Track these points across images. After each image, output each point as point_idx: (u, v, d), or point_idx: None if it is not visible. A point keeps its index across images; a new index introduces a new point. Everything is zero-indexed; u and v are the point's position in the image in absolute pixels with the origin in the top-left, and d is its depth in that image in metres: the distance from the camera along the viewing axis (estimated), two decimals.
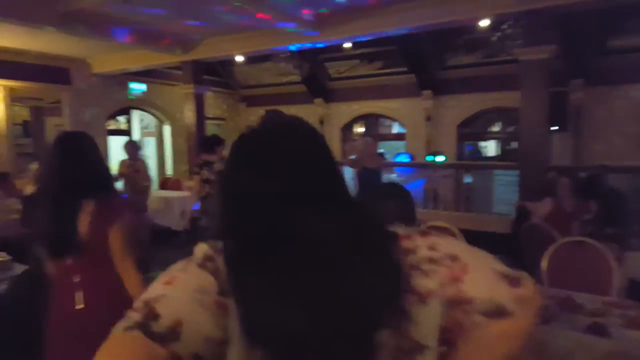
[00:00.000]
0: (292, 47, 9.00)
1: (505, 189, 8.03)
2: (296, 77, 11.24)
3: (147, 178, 7.11)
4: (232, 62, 11.71)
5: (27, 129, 11.26)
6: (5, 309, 2.57)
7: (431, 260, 0.89)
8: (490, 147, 12.68)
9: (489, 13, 6.71)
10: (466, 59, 10.90)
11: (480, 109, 11.38)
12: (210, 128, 12.53)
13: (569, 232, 4.16)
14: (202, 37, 9.01)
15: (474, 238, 5.58)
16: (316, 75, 12.63)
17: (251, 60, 11.06)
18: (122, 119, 12.63)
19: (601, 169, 6.07)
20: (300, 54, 10.39)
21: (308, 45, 8.62)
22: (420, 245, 0.91)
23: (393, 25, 7.35)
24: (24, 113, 10.62)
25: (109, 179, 2.10)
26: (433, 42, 10.55)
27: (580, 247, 3.27)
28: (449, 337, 0.86)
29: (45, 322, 2.01)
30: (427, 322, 0.85)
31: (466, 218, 7.90)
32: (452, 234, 3.72)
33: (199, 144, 5.38)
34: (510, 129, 11.58)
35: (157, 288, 0.83)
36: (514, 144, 11.11)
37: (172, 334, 0.75)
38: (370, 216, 0.96)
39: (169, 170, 12.88)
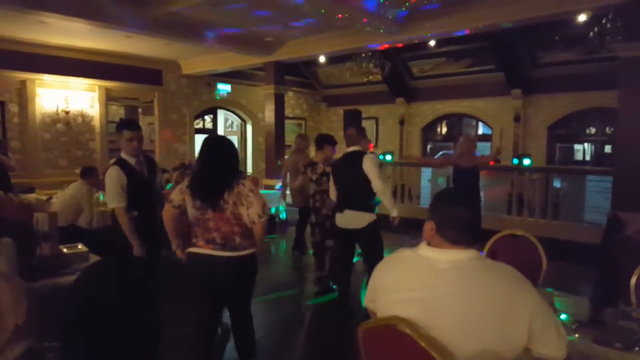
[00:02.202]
0: (375, 47, 8.87)
1: (598, 196, 7.37)
2: (378, 77, 11.10)
3: None
4: (315, 62, 11.81)
5: None
6: (74, 297, 2.71)
7: (247, 192, 3.00)
8: (584, 151, 11.75)
9: (588, 5, 6.19)
10: (561, 56, 10.20)
11: (575, 110, 10.63)
12: (290, 127, 12.75)
13: None
14: (286, 39, 9.14)
15: (561, 248, 5.16)
16: (398, 74, 12.42)
17: (333, 60, 11.09)
18: (208, 118, 13.18)
19: None
20: (383, 52, 10.24)
21: (391, 43, 8.44)
22: (245, 183, 3.01)
23: (483, 20, 6.96)
24: (120, 112, 11.39)
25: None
26: (526, 38, 9.98)
27: None
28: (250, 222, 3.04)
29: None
30: (244, 210, 2.99)
31: (553, 226, 7.37)
32: (530, 243, 3.43)
33: (316, 144, 5.51)
34: (609, 131, 10.69)
35: (174, 193, 3.17)
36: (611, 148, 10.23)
37: (172, 201, 3.12)
38: (239, 171, 3.11)
39: (249, 168, 13.27)
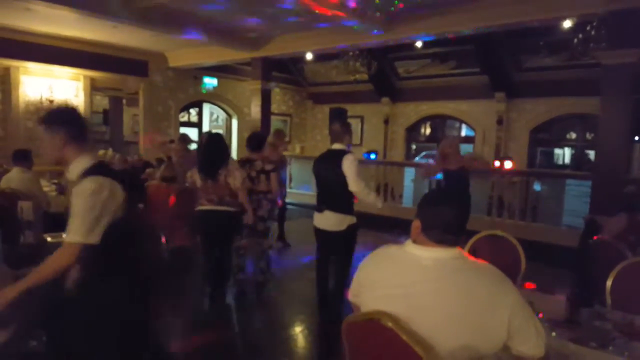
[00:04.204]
0: (362, 45, 8.92)
1: (577, 200, 7.55)
2: (364, 76, 11.16)
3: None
4: (302, 59, 11.81)
5: (107, 117, 11.96)
6: (59, 286, 2.69)
7: (233, 170, 4.56)
8: (564, 155, 12.00)
9: (573, 13, 6.30)
10: (545, 61, 10.36)
11: (557, 114, 10.82)
12: (276, 123, 12.74)
13: None
14: (273, 35, 9.13)
15: (539, 250, 5.25)
16: (384, 73, 12.48)
17: (320, 58, 11.11)
18: (193, 111, 13.11)
19: None
20: (370, 52, 10.30)
21: (377, 43, 8.50)
22: (233, 164, 4.64)
23: (470, 23, 7.04)
24: (104, 102, 11.28)
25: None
26: (511, 42, 10.11)
27: None
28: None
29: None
30: (232, 181, 4.48)
31: (532, 228, 7.50)
32: (510, 243, 3.51)
33: (247, 142, 5.32)
34: (589, 136, 10.92)
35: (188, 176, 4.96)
36: (591, 153, 10.48)
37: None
38: (229, 157, 4.69)
39: None
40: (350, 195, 4.07)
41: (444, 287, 1.65)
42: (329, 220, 4.13)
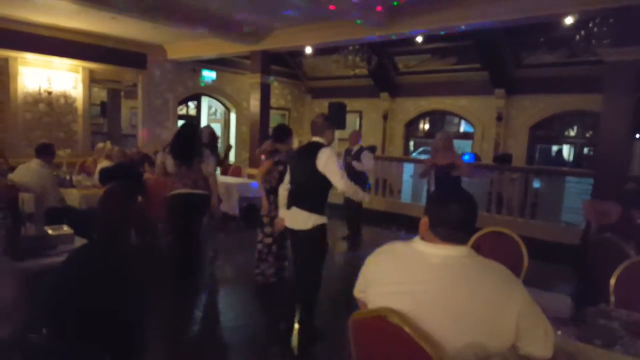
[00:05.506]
0: (362, 40, 8.87)
1: (576, 197, 7.55)
2: (363, 71, 11.11)
3: None
4: (301, 53, 11.77)
5: (104, 109, 11.91)
6: (61, 280, 2.67)
7: (207, 157, 5.08)
8: (564, 152, 11.99)
9: (576, 9, 6.25)
10: (545, 58, 10.34)
11: (557, 111, 10.81)
12: (274, 118, 12.70)
13: None
14: (274, 28, 9.07)
15: (538, 247, 5.25)
16: (384, 68, 12.44)
17: (319, 52, 11.04)
18: (191, 104, 13.05)
19: None
20: (370, 46, 10.26)
21: (378, 37, 8.45)
22: (206, 152, 5.11)
23: (470, 19, 6.98)
24: (102, 94, 11.20)
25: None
26: (511, 38, 10.08)
27: None
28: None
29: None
30: (205, 167, 5.00)
31: (531, 225, 7.49)
32: (513, 241, 3.50)
33: (273, 133, 5.36)
34: (588, 134, 10.93)
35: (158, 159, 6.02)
36: (590, 150, 10.49)
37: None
38: (202, 146, 5.25)
39: (231, 156, 13.16)
40: (322, 193, 3.79)
41: (451, 285, 1.63)
42: (296, 218, 3.82)
